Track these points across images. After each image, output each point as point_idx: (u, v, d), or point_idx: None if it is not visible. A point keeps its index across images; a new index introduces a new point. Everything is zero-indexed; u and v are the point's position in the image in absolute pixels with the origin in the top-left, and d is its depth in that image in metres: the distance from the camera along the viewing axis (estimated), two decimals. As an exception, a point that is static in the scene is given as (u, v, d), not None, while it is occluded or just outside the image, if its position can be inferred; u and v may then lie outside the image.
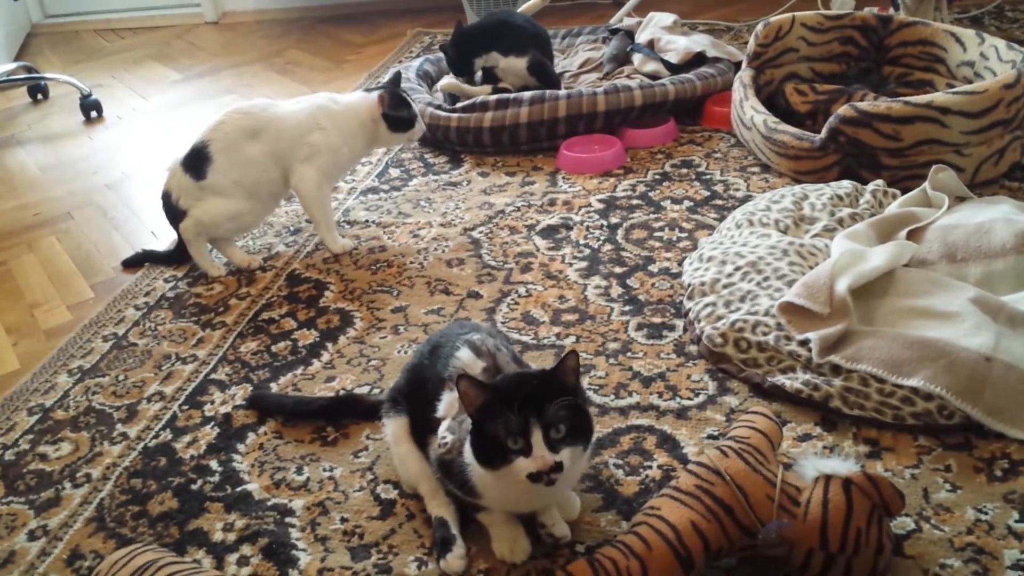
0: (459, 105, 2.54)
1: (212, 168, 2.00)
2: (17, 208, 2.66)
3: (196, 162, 2.00)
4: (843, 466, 1.14)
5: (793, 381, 1.47)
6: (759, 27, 2.47)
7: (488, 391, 1.12)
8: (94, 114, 3.32)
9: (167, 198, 2.05)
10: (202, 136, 2.02)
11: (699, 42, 2.72)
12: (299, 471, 1.46)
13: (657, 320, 1.74)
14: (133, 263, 2.21)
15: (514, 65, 2.70)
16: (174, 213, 2.05)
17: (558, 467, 1.09)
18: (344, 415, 1.56)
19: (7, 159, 3.03)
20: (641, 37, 2.87)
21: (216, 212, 2.02)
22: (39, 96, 3.59)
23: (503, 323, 1.78)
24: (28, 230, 2.52)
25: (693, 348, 1.64)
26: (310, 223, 2.24)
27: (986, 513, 1.24)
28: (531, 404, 1.09)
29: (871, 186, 1.95)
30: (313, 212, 2.11)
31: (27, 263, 2.33)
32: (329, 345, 1.78)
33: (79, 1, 4.53)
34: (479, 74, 2.79)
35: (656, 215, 2.12)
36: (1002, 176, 2.08)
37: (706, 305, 1.65)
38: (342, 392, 1.64)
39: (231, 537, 1.35)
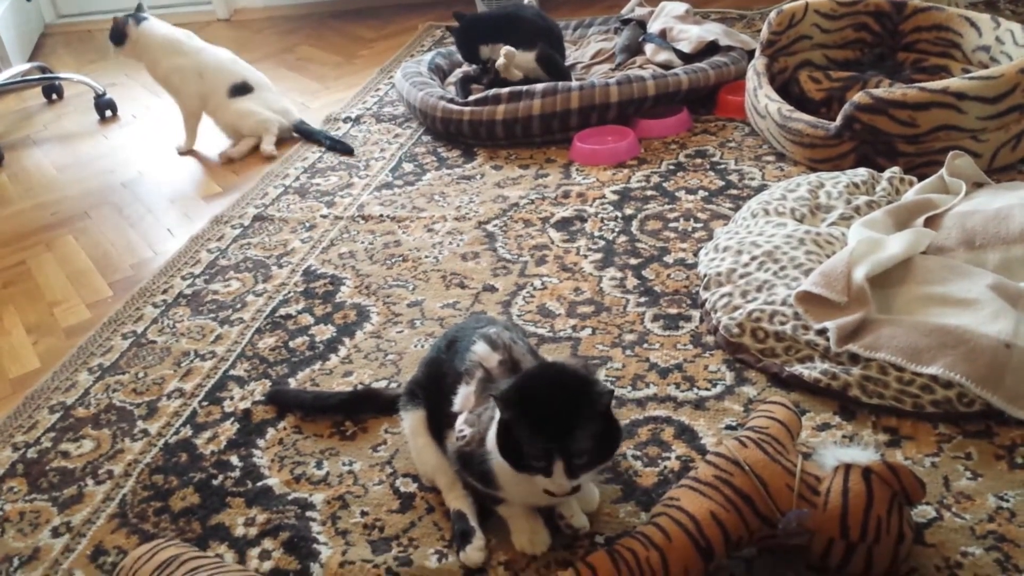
0: (472, 98, 2.54)
1: None
2: (35, 208, 2.68)
3: None
4: (863, 455, 1.14)
5: (811, 370, 1.46)
6: (772, 15, 2.45)
7: (518, 408, 1.10)
8: (109, 113, 3.34)
9: None
10: None
11: (711, 31, 2.71)
12: (319, 465, 1.47)
13: (673, 311, 1.74)
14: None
15: (523, 59, 2.69)
16: None
17: (575, 490, 1.12)
18: (362, 409, 1.57)
19: (24, 159, 3.06)
20: (653, 27, 2.86)
21: None
22: (54, 96, 3.61)
23: (519, 316, 1.78)
24: (46, 229, 2.54)
25: (710, 339, 1.64)
26: (324, 218, 2.26)
27: (1008, 500, 1.23)
28: (559, 431, 1.08)
29: (887, 173, 1.94)
30: None
31: (46, 262, 2.35)
32: (346, 340, 1.78)
33: (91, 0, 4.55)
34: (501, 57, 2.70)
35: (671, 205, 2.11)
36: (1020, 161, 2.06)
37: (723, 295, 1.65)
38: (360, 387, 1.65)
39: (252, 531, 1.36)
